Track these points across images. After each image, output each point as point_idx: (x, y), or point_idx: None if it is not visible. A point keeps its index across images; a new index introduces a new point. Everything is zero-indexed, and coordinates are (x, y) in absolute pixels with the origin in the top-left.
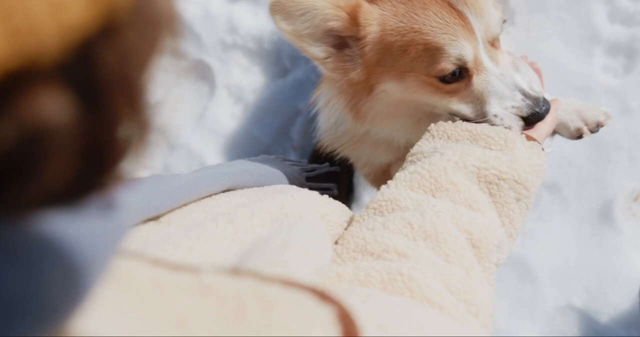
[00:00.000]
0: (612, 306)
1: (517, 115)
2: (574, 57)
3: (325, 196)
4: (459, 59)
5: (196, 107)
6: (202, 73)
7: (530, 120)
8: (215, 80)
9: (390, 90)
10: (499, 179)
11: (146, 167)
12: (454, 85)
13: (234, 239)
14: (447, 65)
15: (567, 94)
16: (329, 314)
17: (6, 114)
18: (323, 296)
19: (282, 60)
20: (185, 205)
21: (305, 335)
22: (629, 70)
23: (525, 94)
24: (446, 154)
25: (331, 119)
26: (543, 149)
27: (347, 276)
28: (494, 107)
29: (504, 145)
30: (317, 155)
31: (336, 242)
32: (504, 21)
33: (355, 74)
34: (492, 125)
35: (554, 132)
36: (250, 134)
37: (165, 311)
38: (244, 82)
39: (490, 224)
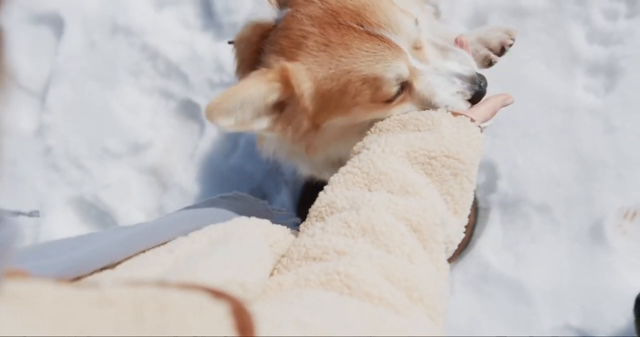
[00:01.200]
0: (608, 324)
1: (465, 100)
2: (556, 79)
3: (278, 225)
4: (398, 79)
5: (187, 146)
6: (192, 112)
7: (475, 99)
8: (205, 118)
9: (338, 123)
10: (429, 158)
11: (140, 208)
12: (399, 98)
13: (173, 264)
14: (390, 89)
15: (552, 115)
16: (223, 309)
17: None
18: (217, 294)
19: None
20: (143, 251)
21: (199, 331)
22: (610, 89)
23: (462, 77)
24: (372, 147)
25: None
26: (473, 121)
27: (287, 283)
28: (441, 100)
29: (431, 125)
30: (310, 186)
31: (283, 256)
32: (416, 20)
33: (301, 127)
34: None
35: None
36: (242, 170)
37: (68, 326)
38: None
39: (428, 205)
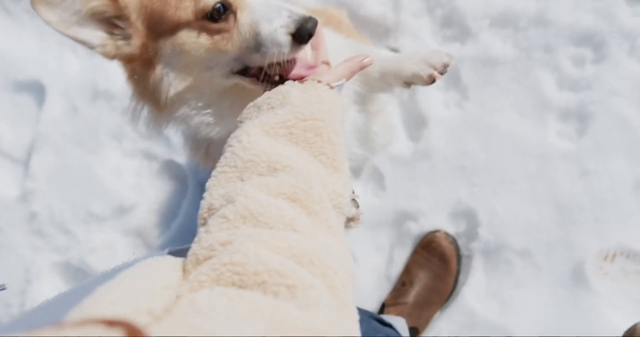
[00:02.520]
0: None
1: (287, 34)
2: (529, 126)
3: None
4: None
5: (171, 207)
6: (175, 173)
7: (300, 35)
8: (188, 179)
9: (170, 58)
10: (288, 128)
11: None
12: (222, 24)
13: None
14: (208, 1)
15: (527, 161)
16: (119, 333)
17: None
18: (111, 323)
19: None
20: None
21: None
22: (582, 133)
23: (291, 12)
24: (232, 142)
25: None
26: (320, 82)
27: (184, 293)
28: (265, 32)
29: (282, 99)
30: None
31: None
32: None
33: (131, 48)
34: (269, 53)
35: (409, 83)
36: None
37: None
38: None
39: (300, 174)
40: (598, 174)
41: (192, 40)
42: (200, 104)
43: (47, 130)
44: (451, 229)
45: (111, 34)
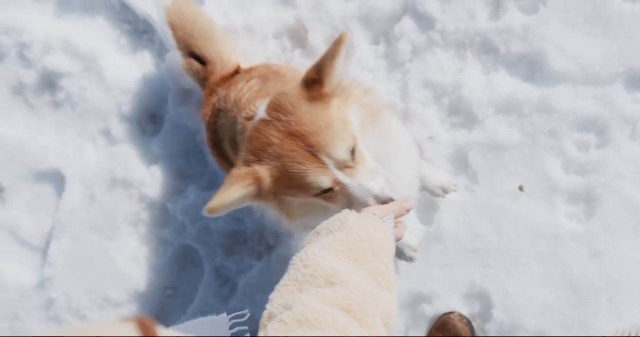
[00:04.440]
0: None
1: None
2: (538, 208)
3: None
4: (319, 188)
5: (188, 292)
6: (191, 258)
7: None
8: (204, 263)
9: (295, 200)
10: (347, 247)
11: None
12: (328, 195)
13: None
14: (315, 192)
15: (539, 243)
16: (132, 324)
17: None
18: (126, 319)
19: (265, 238)
20: None
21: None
22: (591, 215)
23: (377, 198)
24: (293, 260)
25: None
26: (375, 215)
27: None
28: (356, 202)
29: (340, 226)
30: None
31: None
32: (353, 148)
33: (270, 200)
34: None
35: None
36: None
37: None
38: (231, 263)
39: (355, 289)
40: (609, 255)
41: (306, 197)
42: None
43: (66, 218)
44: (466, 311)
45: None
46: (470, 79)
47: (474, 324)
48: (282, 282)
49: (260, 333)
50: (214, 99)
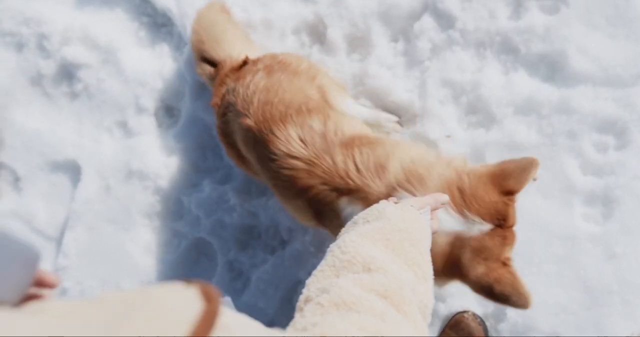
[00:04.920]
0: None
1: None
2: (555, 209)
3: None
4: None
5: None
6: (204, 250)
7: None
8: (217, 256)
9: None
10: (385, 236)
11: None
12: None
13: None
14: None
15: (554, 244)
16: (194, 290)
17: None
18: (189, 282)
19: (279, 233)
20: None
21: (173, 298)
22: (608, 217)
23: None
24: (331, 247)
25: None
26: (412, 206)
27: None
28: None
29: (378, 215)
30: None
31: None
32: None
33: None
34: None
35: None
36: (254, 307)
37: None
38: (245, 257)
39: (392, 276)
40: (625, 257)
41: None
42: None
43: (81, 208)
44: (479, 310)
45: None
46: (490, 78)
47: (487, 324)
48: (319, 267)
49: (296, 315)
50: (223, 89)
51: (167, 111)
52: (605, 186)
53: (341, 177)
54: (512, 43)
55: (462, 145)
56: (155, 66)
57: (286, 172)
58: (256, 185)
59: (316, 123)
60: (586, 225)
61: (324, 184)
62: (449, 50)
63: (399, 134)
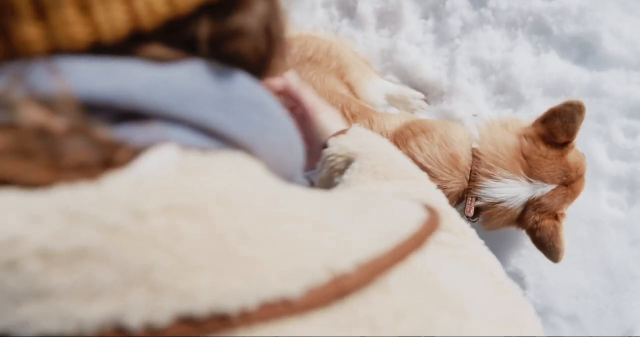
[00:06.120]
0: None
1: None
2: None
3: None
4: None
5: None
6: None
7: None
8: None
9: None
10: (373, 171)
11: None
12: None
13: None
14: None
15: (578, 227)
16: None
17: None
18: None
19: None
20: None
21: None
22: (633, 202)
23: None
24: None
25: None
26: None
27: None
28: None
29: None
30: None
31: None
32: None
33: None
34: None
35: None
36: None
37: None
38: None
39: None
40: None
41: None
42: None
43: None
44: None
45: None
46: (520, 58)
47: None
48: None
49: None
50: None
51: None
52: (632, 171)
53: None
54: (544, 23)
55: None
56: None
57: None
58: None
59: None
60: (611, 210)
61: None
62: (480, 28)
63: (424, 111)
